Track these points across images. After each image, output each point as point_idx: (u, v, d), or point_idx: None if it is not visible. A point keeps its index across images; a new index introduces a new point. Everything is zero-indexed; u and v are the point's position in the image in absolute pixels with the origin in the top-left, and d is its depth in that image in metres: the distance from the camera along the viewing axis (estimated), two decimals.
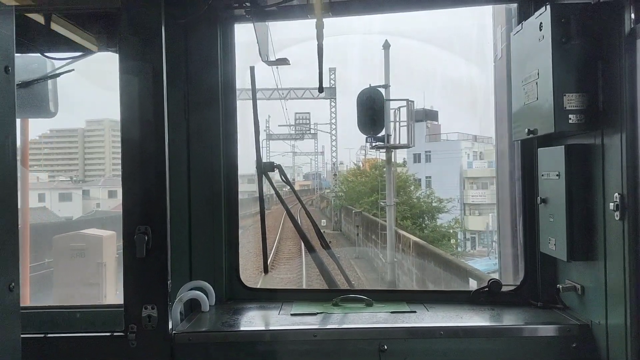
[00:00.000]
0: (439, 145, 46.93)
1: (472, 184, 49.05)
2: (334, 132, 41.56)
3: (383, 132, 18.44)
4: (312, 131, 44.77)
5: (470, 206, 46.51)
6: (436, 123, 49.65)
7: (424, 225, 32.69)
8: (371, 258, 25.63)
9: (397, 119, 19.63)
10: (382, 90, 17.75)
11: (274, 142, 48.12)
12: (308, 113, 42.21)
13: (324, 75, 3.11)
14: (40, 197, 42.83)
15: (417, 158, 46.70)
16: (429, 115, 47.60)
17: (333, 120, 40.59)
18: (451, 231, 34.06)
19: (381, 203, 25.70)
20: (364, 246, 27.52)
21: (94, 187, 55.60)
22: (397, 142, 20.04)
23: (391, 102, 19.15)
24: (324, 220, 37.69)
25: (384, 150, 21.45)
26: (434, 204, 34.53)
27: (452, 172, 45.97)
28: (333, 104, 38.36)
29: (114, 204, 42.11)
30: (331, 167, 44.43)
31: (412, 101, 19.55)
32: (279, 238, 28.84)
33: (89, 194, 51.03)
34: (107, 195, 49.12)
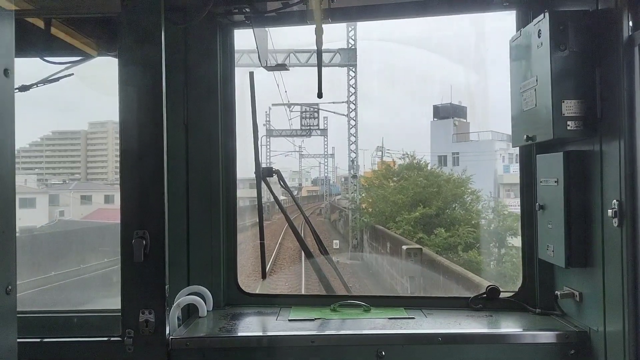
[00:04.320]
0: (468, 146, 38.38)
1: (508, 191, 39.80)
2: (352, 114, 28.78)
3: None
4: (323, 126, 34.92)
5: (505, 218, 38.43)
6: (464, 121, 42.26)
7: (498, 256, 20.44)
8: None
9: None
10: None
11: (275, 139, 39.86)
12: (316, 105, 32.50)
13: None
14: None
15: (442, 160, 37.65)
16: (457, 112, 41.37)
17: (352, 98, 28.31)
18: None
19: None
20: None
21: (63, 191, 44.72)
22: None
23: None
24: (337, 241, 25.91)
25: None
26: (507, 223, 21.14)
27: (485, 178, 36.28)
28: (352, 73, 27.63)
29: (87, 212, 36.72)
30: (349, 164, 29.69)
31: None
32: (271, 267, 19.89)
33: (58, 199, 41.95)
34: (80, 201, 41.28)
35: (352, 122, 28.94)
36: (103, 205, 38.08)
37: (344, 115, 29.12)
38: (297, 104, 32.17)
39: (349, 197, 29.44)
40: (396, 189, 25.27)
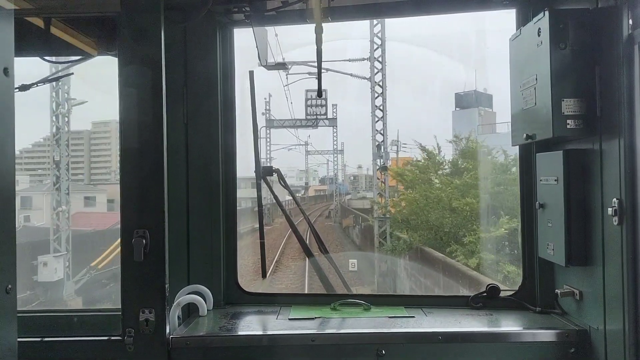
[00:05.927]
0: (495, 139, 29.99)
1: None
2: (377, 77, 19.34)
3: None
4: (332, 115, 27.10)
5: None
6: (490, 110, 37.98)
7: None
8: None
9: None
10: None
11: (277, 131, 33.62)
12: (324, 91, 21.41)
13: None
14: None
15: None
16: (481, 100, 36.59)
17: (377, 54, 19.22)
18: None
19: None
20: None
21: (36, 192, 38.09)
22: None
23: None
24: (355, 261, 16.53)
25: None
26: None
27: None
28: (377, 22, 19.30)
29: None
30: (374, 152, 20.14)
31: None
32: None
33: (31, 202, 36.45)
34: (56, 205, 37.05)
35: (378, 90, 19.23)
36: (82, 208, 32.55)
37: (365, 78, 20.05)
38: (296, 63, 21.21)
39: (377, 201, 20.70)
40: (458, 188, 15.83)
